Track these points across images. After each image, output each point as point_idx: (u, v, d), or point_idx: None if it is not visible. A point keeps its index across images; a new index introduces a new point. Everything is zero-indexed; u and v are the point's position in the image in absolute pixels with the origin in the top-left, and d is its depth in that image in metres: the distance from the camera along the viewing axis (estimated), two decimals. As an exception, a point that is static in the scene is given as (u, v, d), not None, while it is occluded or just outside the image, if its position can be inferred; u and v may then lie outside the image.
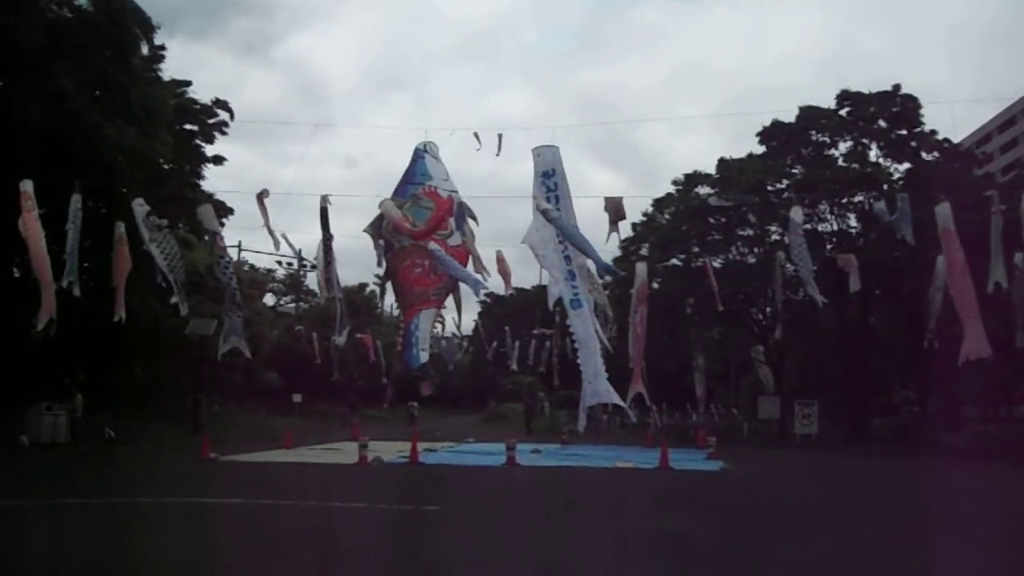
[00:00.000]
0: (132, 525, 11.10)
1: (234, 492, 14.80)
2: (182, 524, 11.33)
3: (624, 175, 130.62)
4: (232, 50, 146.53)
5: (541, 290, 23.60)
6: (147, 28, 25.78)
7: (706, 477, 19.88)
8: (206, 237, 23.38)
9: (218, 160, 30.98)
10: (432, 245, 19.60)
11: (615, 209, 17.47)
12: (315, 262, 60.91)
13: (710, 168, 41.40)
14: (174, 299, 20.49)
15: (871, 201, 37.62)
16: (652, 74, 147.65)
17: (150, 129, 24.81)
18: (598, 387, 17.29)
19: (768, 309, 43.41)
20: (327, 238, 18.33)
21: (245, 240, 50.73)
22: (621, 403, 19.73)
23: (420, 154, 24.64)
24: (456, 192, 17.43)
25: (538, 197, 18.09)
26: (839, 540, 10.73)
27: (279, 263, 55.87)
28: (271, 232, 18.92)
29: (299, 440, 27.73)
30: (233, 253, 50.35)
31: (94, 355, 28.83)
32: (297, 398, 47.00)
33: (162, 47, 27.99)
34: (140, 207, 19.74)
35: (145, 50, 26.22)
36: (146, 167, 25.55)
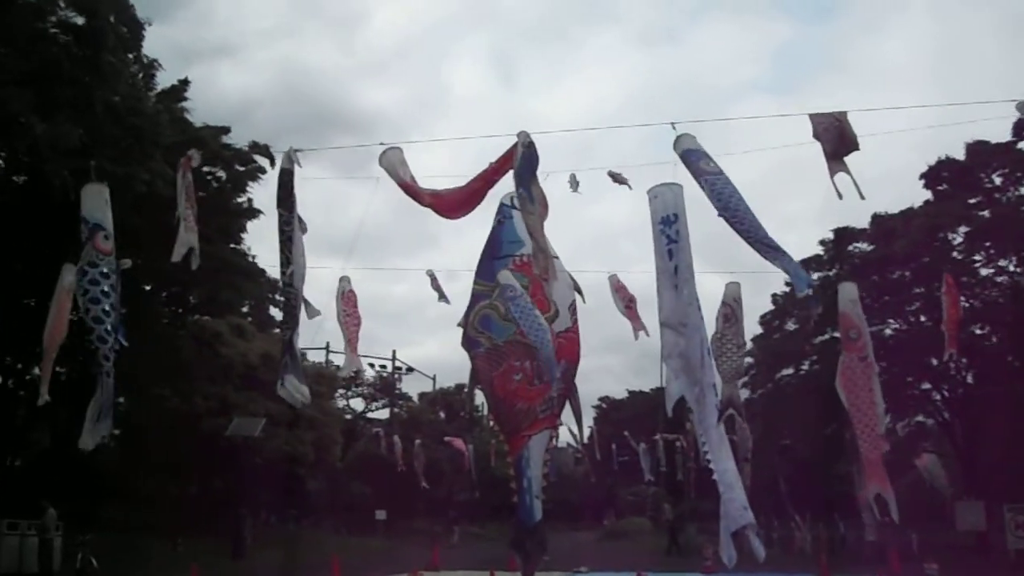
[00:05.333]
0: None
1: None
2: None
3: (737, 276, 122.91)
4: (334, 168, 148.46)
5: (661, 392, 16.89)
6: (128, 19, 21.19)
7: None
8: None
9: (252, 213, 25.51)
10: (505, 275, 13.56)
11: (834, 133, 8.71)
12: (409, 364, 56.70)
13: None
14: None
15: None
16: (756, 169, 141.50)
17: (133, 151, 19.52)
18: (735, 505, 11.58)
19: (945, 388, 35.81)
20: (288, 204, 11.57)
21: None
22: (752, 523, 13.11)
23: (507, 212, 18.29)
24: (526, 133, 11.29)
25: (660, 248, 12.40)
26: None
27: (371, 365, 51.12)
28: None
29: (366, 568, 22.48)
30: (319, 356, 46.51)
31: (97, 462, 23.26)
32: (381, 515, 40.99)
33: (186, 80, 23.70)
34: None
35: (131, 56, 21.56)
36: (130, 202, 18.29)
